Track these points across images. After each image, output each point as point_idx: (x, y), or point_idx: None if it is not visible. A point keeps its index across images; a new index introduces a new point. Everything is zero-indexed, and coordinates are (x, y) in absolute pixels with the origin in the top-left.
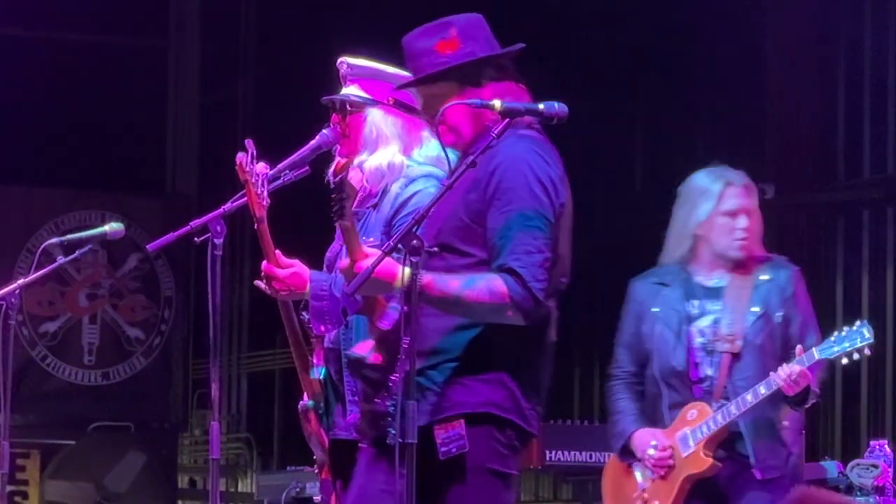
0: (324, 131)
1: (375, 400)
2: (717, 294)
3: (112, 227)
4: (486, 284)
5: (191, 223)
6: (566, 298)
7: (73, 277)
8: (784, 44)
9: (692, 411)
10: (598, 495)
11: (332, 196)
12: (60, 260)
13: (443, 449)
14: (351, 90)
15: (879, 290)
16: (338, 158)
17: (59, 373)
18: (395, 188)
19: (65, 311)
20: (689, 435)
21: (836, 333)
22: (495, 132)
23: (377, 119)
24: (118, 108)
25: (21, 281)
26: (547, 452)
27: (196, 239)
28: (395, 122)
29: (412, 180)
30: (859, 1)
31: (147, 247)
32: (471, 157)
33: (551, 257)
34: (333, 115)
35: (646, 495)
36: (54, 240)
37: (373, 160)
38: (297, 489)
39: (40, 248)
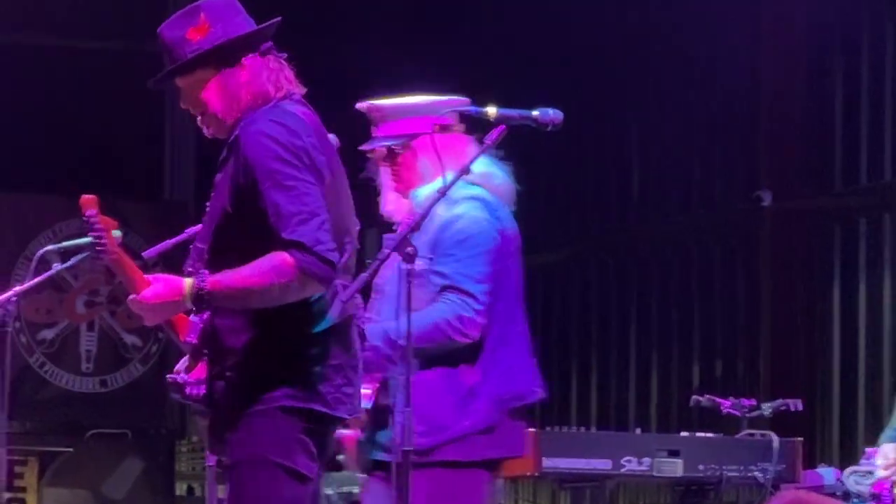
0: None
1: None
2: None
3: None
4: (269, 264)
5: (187, 230)
6: (562, 306)
7: (71, 284)
8: (780, 51)
9: None
10: (596, 502)
11: (92, 234)
12: (57, 267)
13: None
14: (387, 131)
15: (876, 298)
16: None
17: (57, 380)
18: (439, 210)
19: (62, 318)
20: None
21: None
22: (488, 139)
23: (427, 151)
24: (115, 114)
25: (17, 288)
26: (544, 459)
27: (192, 245)
28: (444, 147)
29: (455, 202)
30: (856, 6)
31: (144, 254)
32: (466, 164)
33: (327, 219)
34: (379, 162)
35: None
36: (51, 247)
37: (427, 188)
38: None
39: (37, 256)
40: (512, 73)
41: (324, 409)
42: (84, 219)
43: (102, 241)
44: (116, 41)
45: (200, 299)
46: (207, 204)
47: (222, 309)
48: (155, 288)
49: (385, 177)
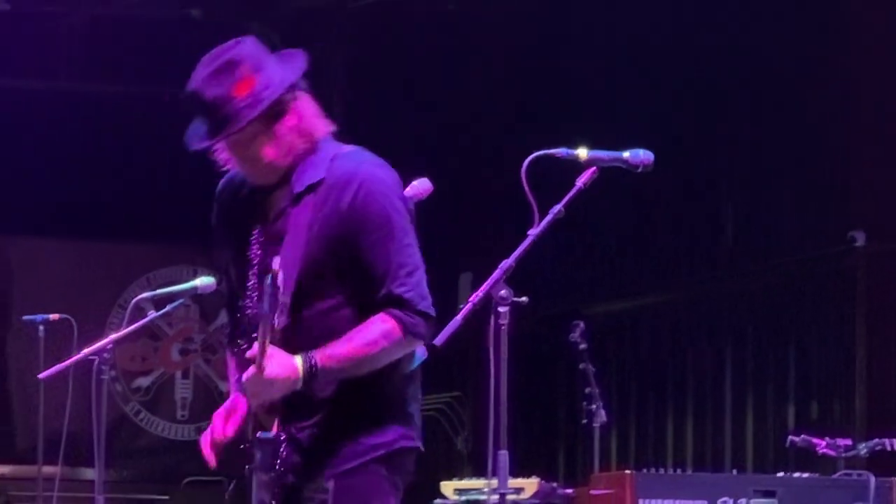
0: (414, 183)
1: (280, 468)
2: None
3: (203, 281)
4: (378, 330)
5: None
6: (658, 348)
7: (166, 332)
8: (874, 90)
9: None
10: None
11: (272, 295)
12: (152, 315)
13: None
14: None
15: None
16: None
17: (153, 428)
18: None
19: (157, 367)
20: None
21: None
22: (581, 182)
23: None
24: (207, 162)
25: (112, 336)
26: (640, 501)
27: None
28: None
29: None
30: None
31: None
32: (557, 207)
33: (425, 269)
34: None
35: None
36: (145, 295)
37: None
38: None
39: (132, 304)
40: (604, 109)
41: (420, 447)
42: (273, 279)
43: (276, 309)
44: None
45: (314, 377)
46: (258, 253)
47: None
48: (275, 368)
49: None
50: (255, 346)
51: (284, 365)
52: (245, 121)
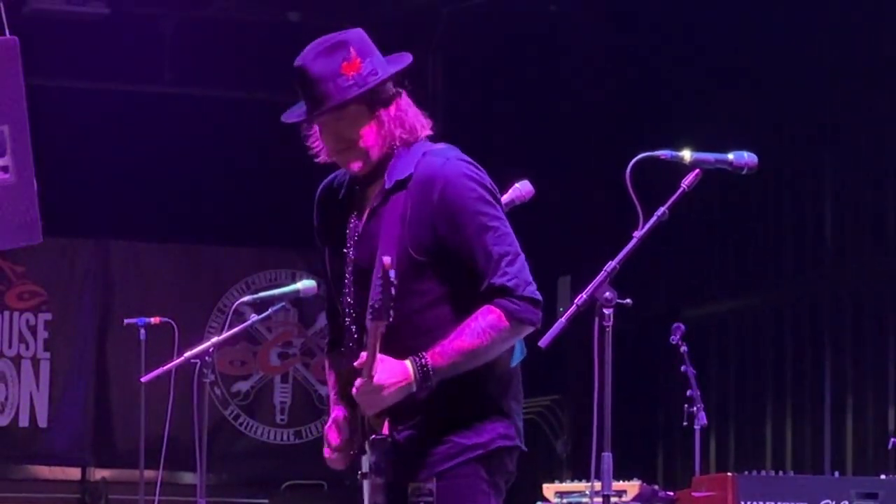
0: (516, 185)
1: (391, 471)
2: None
3: (304, 284)
4: (485, 322)
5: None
6: (757, 350)
7: (265, 336)
8: None
9: None
10: None
11: (383, 293)
12: (252, 319)
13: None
14: None
15: None
16: None
17: (252, 432)
18: None
19: (257, 370)
20: None
21: None
22: (686, 184)
23: None
24: (306, 166)
25: (214, 340)
26: (742, 503)
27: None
28: None
29: None
30: None
31: None
32: (662, 209)
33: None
34: None
35: None
36: (246, 298)
37: None
38: None
39: (232, 308)
40: (704, 111)
41: (522, 446)
42: (385, 274)
43: (389, 303)
44: None
45: (427, 379)
46: (353, 251)
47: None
48: (383, 375)
49: None
50: (364, 354)
51: (394, 371)
52: (349, 97)
